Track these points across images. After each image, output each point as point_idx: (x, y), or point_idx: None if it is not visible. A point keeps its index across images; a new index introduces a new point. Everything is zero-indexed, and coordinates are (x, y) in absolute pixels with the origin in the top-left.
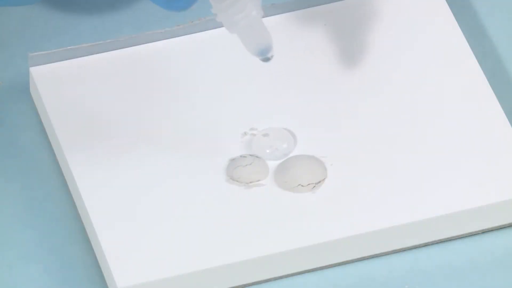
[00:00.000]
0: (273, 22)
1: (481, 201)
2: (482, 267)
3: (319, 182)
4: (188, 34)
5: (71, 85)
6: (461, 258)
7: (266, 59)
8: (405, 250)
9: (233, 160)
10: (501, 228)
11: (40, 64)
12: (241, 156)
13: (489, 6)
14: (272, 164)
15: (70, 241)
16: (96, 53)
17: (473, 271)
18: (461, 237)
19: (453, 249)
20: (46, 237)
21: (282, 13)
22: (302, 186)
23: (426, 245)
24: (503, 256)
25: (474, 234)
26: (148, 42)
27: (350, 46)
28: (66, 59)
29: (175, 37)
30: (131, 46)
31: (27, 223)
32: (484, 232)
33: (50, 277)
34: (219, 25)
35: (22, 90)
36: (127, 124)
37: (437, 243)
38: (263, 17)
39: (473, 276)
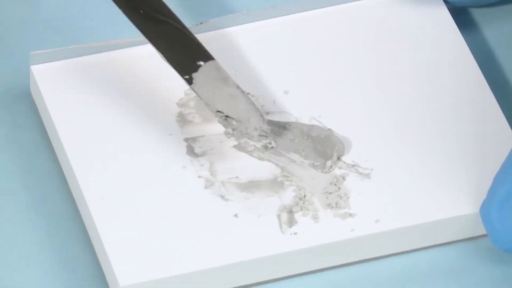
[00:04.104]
0: (273, 23)
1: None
2: (482, 268)
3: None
4: None
5: (72, 84)
6: (461, 260)
7: None
8: (404, 253)
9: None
10: None
11: (41, 63)
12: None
13: (489, 12)
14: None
15: (71, 241)
16: (97, 53)
17: (472, 272)
18: (461, 241)
19: (453, 251)
20: (47, 237)
21: (282, 15)
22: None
23: (426, 248)
24: (502, 258)
25: (474, 238)
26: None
27: (350, 49)
28: (67, 58)
29: None
30: (133, 46)
31: (27, 222)
32: (483, 236)
33: (51, 277)
34: (219, 27)
35: (23, 89)
36: (128, 123)
37: (437, 246)
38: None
39: (473, 277)
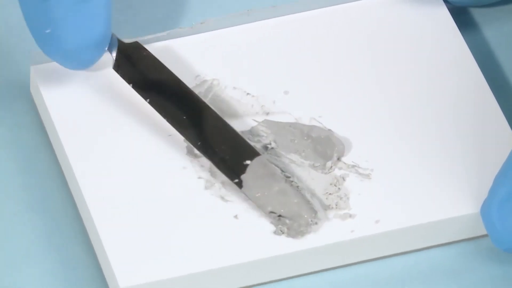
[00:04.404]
0: (273, 23)
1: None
2: (482, 268)
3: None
4: (189, 35)
5: (72, 84)
6: (461, 261)
7: None
8: (404, 253)
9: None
10: None
11: (41, 63)
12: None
13: (489, 12)
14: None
15: (71, 241)
16: None
17: (472, 272)
18: (462, 241)
19: (453, 252)
20: (47, 237)
21: (283, 15)
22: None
23: (426, 248)
24: (503, 258)
25: (474, 238)
26: (149, 43)
27: (350, 49)
28: None
29: (176, 38)
30: None
31: (27, 222)
32: (484, 236)
33: (50, 277)
34: (219, 26)
35: (23, 89)
36: (129, 123)
37: (437, 246)
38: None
39: (473, 277)
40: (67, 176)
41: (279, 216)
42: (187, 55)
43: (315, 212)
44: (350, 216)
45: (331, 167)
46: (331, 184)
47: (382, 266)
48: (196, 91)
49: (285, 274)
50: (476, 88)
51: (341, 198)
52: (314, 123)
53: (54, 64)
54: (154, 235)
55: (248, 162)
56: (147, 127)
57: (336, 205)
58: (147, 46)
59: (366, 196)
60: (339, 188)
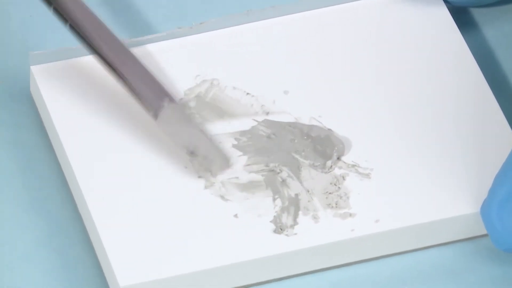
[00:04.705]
0: (273, 24)
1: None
2: (482, 268)
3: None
4: (188, 35)
5: (72, 84)
6: (461, 260)
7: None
8: (404, 253)
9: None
10: None
11: (41, 63)
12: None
13: (489, 12)
14: None
15: (71, 241)
16: None
17: (472, 272)
18: (461, 241)
19: (453, 251)
20: (47, 237)
21: (282, 15)
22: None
23: (426, 248)
24: (502, 258)
25: (474, 238)
26: (148, 43)
27: (350, 49)
28: (67, 59)
29: (176, 38)
30: (132, 46)
31: (27, 223)
32: (483, 236)
33: (50, 278)
34: (219, 27)
35: (22, 89)
36: (128, 124)
37: (437, 246)
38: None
39: (473, 277)
40: (67, 176)
41: (192, 152)
42: (186, 55)
43: (227, 157)
44: (350, 215)
45: (331, 166)
46: (331, 184)
47: (382, 265)
48: (196, 91)
49: (285, 273)
50: (476, 88)
51: (341, 197)
52: (314, 122)
53: (54, 65)
54: (154, 234)
55: (166, 104)
56: (147, 127)
57: (336, 204)
58: (146, 46)
59: (366, 196)
60: (339, 188)
